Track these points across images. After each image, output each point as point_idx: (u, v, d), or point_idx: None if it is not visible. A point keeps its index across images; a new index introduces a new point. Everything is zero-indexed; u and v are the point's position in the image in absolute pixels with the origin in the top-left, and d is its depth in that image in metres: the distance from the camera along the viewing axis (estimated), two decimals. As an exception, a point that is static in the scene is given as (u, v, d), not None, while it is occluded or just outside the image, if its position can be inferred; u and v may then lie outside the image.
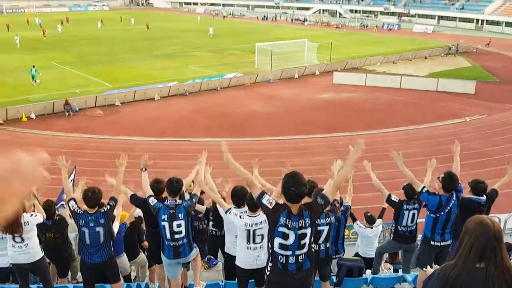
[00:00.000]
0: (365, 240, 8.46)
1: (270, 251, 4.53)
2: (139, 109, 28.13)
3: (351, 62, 41.71)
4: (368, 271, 7.80)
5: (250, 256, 5.57)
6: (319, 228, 5.72)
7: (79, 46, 50.94)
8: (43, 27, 58.54)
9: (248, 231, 5.47)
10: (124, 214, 6.77)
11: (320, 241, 5.84)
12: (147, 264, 8.08)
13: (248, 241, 5.53)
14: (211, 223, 7.30)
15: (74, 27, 65.12)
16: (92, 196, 5.73)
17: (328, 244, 5.99)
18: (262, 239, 5.47)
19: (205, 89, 32.64)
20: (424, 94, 31.97)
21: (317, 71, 39.15)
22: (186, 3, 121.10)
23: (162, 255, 5.93)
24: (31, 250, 5.93)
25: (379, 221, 8.50)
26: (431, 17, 78.93)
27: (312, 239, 4.51)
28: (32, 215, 5.87)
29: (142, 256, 7.95)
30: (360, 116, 26.87)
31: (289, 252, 4.37)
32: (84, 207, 5.78)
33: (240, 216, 5.53)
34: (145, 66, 40.24)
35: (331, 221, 5.86)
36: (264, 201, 4.34)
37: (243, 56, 45.93)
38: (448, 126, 24.85)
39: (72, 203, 5.83)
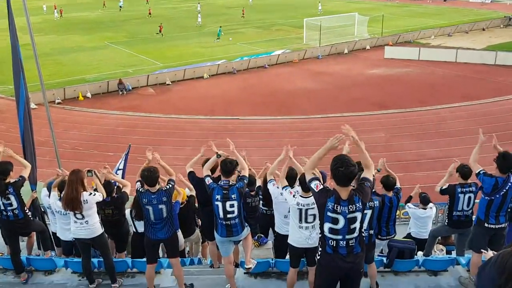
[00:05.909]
0: (417, 221, 8.28)
1: (320, 235, 4.56)
2: (189, 87, 28.57)
3: (403, 35, 40.29)
4: (420, 253, 7.65)
5: (302, 235, 5.63)
6: None
7: (132, 26, 51.93)
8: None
9: (300, 210, 5.53)
10: (175, 193, 6.96)
11: (364, 226, 5.78)
12: (201, 240, 8.34)
13: (300, 220, 5.59)
14: (261, 202, 7.42)
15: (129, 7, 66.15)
16: (149, 175, 5.85)
17: (371, 231, 5.97)
18: (314, 219, 5.50)
19: (253, 66, 32.64)
20: (481, 68, 30.51)
21: (367, 45, 38.14)
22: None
23: (215, 232, 6.11)
24: (91, 226, 6.25)
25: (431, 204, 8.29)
26: (490, -15, 74.50)
27: (363, 224, 4.49)
28: (91, 194, 6.14)
29: (198, 233, 8.20)
30: (413, 92, 26.04)
31: (339, 237, 4.40)
32: (146, 186, 5.95)
33: (294, 195, 5.59)
34: (194, 44, 40.58)
35: (374, 205, 5.88)
36: (312, 185, 4.45)
37: (291, 31, 45.34)
38: (507, 101, 23.65)
39: (138, 184, 6.04)
